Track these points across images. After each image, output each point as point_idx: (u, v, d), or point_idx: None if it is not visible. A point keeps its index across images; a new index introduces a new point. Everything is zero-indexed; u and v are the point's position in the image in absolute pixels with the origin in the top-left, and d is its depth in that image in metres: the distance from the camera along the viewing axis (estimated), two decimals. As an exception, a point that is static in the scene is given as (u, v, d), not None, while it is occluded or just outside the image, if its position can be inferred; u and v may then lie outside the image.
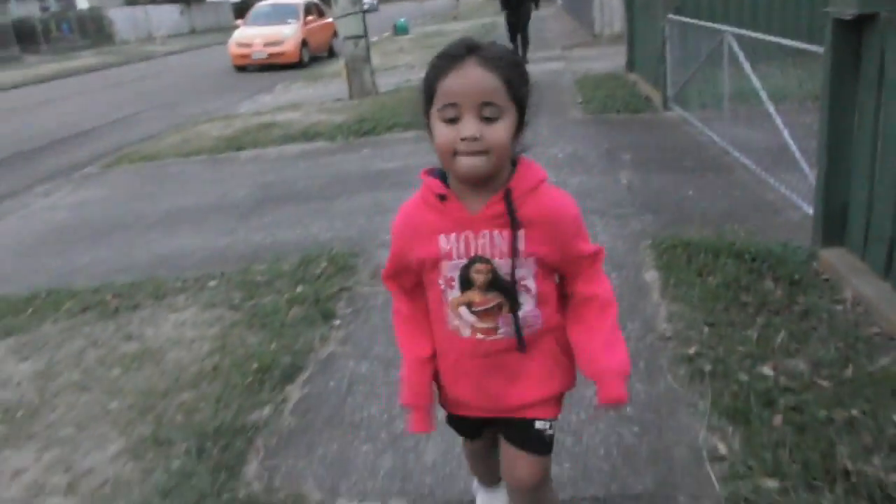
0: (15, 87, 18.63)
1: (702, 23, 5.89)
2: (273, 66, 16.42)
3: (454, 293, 1.31)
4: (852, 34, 2.91)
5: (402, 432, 2.19)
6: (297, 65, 16.49)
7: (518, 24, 11.28)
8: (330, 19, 19.77)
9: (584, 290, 1.35)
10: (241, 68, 16.90)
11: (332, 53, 18.96)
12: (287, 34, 16.60)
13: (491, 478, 1.71)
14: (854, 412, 2.04)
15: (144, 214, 5.50)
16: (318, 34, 18.01)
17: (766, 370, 2.29)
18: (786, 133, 4.29)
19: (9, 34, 27.00)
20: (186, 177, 6.74)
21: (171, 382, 2.65)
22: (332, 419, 2.35)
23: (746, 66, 4.87)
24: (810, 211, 3.48)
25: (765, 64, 4.81)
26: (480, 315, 1.31)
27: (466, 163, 1.17)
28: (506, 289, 1.29)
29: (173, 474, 2.10)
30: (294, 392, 2.52)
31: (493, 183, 1.24)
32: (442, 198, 1.25)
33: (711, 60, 5.61)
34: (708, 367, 2.34)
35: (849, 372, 2.25)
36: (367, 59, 9.79)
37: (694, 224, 3.66)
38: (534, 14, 11.86)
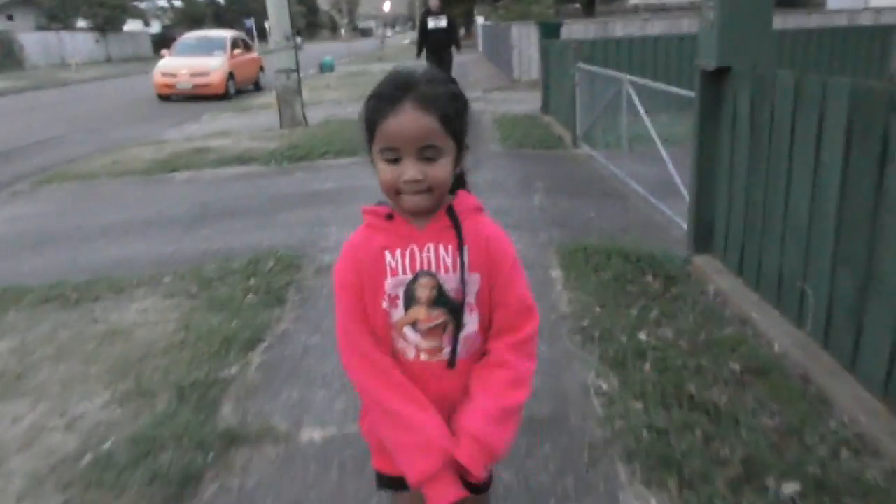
0: (-80, 106, 17.98)
1: (606, 70, 6.76)
2: (198, 96, 16.64)
3: (398, 313, 1.27)
4: (714, 83, 3.70)
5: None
6: (222, 96, 16.75)
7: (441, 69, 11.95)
8: (255, 54, 20.26)
9: (503, 353, 1.28)
10: (165, 98, 17.02)
11: (257, 87, 19.34)
12: (214, 66, 16.88)
13: None
14: (702, 362, 2.70)
15: (84, 227, 5.74)
16: (244, 67, 18.36)
17: (642, 336, 2.93)
18: (671, 167, 5.10)
19: None
20: (122, 195, 6.97)
21: (144, 352, 3.05)
22: (292, 375, 2.82)
23: (641, 110, 5.70)
24: (680, 222, 4.24)
25: (662, 112, 5.66)
26: (425, 334, 1.27)
27: (411, 200, 1.20)
28: (451, 305, 1.26)
29: (159, 415, 2.52)
30: (256, 357, 2.98)
31: (436, 207, 1.26)
32: (389, 217, 1.26)
33: (613, 104, 6.47)
34: (597, 334, 2.97)
35: (702, 336, 2.93)
36: (299, 91, 10.31)
37: (593, 236, 4.36)
38: (456, 59, 11.68)
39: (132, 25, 44.88)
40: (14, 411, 2.64)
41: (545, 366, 2.77)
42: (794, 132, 2.91)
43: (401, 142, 1.17)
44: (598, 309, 3.23)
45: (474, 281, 1.26)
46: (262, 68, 19.99)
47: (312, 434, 2.42)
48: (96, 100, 18.70)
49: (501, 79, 17.00)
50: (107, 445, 2.36)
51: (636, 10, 34.15)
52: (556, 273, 3.78)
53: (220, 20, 64.01)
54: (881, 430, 2.24)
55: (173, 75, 16.68)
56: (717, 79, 3.64)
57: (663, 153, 5.24)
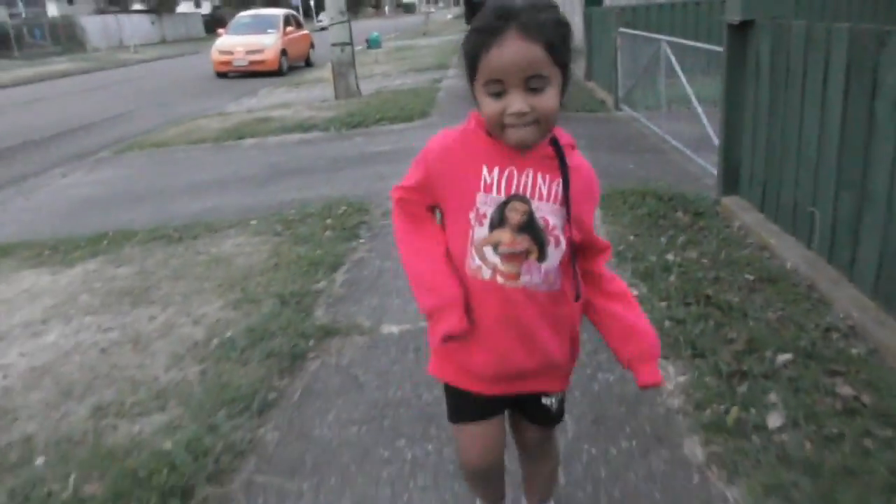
0: (2, 86, 19.18)
1: (645, 33, 7.09)
2: (254, 73, 17.36)
3: (482, 231, 1.24)
4: (739, 36, 4.06)
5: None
6: (276, 73, 17.41)
7: None
8: (306, 31, 20.88)
9: (609, 274, 1.40)
10: (223, 75, 17.79)
11: (309, 63, 20.00)
12: (268, 43, 17.56)
13: (496, 496, 1.62)
14: (721, 274, 3.14)
15: (169, 186, 6.40)
16: (296, 44, 19.01)
17: (669, 256, 3.38)
18: (706, 122, 5.46)
19: (-19, 38, 27.48)
20: (197, 160, 7.63)
21: (246, 273, 3.64)
22: (370, 289, 3.37)
23: (678, 69, 6.05)
24: (711, 169, 4.63)
25: (699, 73, 5.99)
26: (506, 258, 1.24)
27: (516, 134, 1.15)
28: (539, 234, 1.24)
29: (266, 315, 3.09)
30: (339, 276, 3.54)
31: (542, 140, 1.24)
32: (491, 134, 1.22)
33: (652, 66, 6.81)
34: (630, 255, 3.43)
35: (722, 256, 3.36)
36: (352, 63, 10.85)
37: (630, 182, 4.78)
38: None
39: (184, 7, 46.12)
40: (148, 314, 3.26)
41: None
42: (806, 75, 3.30)
43: (506, 73, 1.12)
44: (631, 237, 3.69)
45: (563, 214, 1.25)
46: (312, 45, 20.64)
47: (391, 328, 2.97)
48: (158, 78, 19.62)
49: (546, 49, 17.21)
50: (228, 334, 2.95)
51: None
52: (596, 212, 4.23)
53: None
54: (869, 321, 2.66)
55: (230, 53, 17.41)
56: (741, 32, 4.01)
57: (699, 110, 5.60)
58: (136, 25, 38.14)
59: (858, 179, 2.87)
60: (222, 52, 17.58)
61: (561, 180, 1.23)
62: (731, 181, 4.35)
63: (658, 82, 6.71)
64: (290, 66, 18.30)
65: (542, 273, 1.26)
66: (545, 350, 1.31)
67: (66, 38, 32.27)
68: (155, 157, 8.02)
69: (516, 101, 1.13)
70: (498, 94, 1.14)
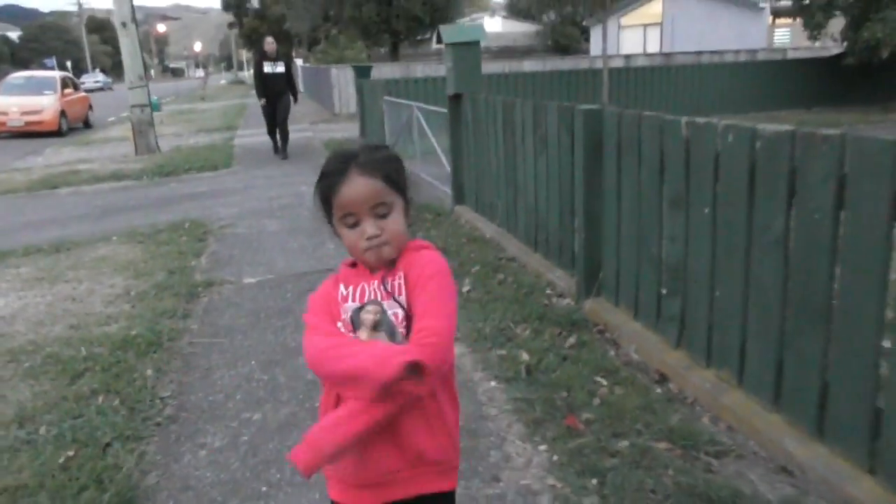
0: None
1: (401, 100, 9.47)
2: (30, 133, 17.34)
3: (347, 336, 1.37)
4: (454, 103, 6.42)
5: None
6: (56, 133, 17.54)
7: (276, 116, 11.04)
8: (83, 93, 21.08)
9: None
10: (-7, 135, 17.51)
11: (88, 125, 20.19)
12: (46, 104, 17.68)
13: None
14: (449, 240, 5.30)
15: (1, 227, 7.30)
16: (75, 105, 19.23)
17: (417, 233, 5.49)
18: (445, 163, 7.81)
19: None
20: (17, 206, 8.41)
21: (131, 263, 5.11)
22: (228, 263, 5.07)
23: (425, 126, 8.41)
24: (449, 191, 6.93)
25: (441, 129, 8.38)
26: None
27: (374, 256, 1.37)
28: (390, 329, 1.35)
29: (161, 279, 4.64)
30: (203, 259, 5.17)
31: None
32: (352, 265, 1.45)
33: (408, 125, 9.15)
34: (395, 235, 5.50)
35: (450, 232, 5.54)
36: (151, 122, 12.07)
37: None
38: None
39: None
40: (68, 288, 4.64)
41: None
42: (486, 124, 5.66)
43: (355, 206, 1.34)
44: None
45: (403, 302, 1.36)
46: (90, 107, 20.87)
47: (249, 279, 4.70)
48: (-86, 140, 18.53)
49: (324, 113, 19.49)
50: (140, 289, 4.47)
51: (438, 53, 38.29)
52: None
53: (16, 59, 60.51)
54: (512, 248, 4.93)
55: (4, 113, 17.27)
56: (455, 100, 6.37)
57: (440, 154, 7.96)
58: None
59: (514, 181, 5.20)
60: (-6, 113, 17.36)
61: (396, 279, 1.37)
62: (459, 196, 6.65)
63: (413, 137, 9.05)
64: (69, 126, 18.48)
65: None
66: (416, 445, 1.35)
67: None
68: (-32, 207, 8.63)
69: (368, 227, 1.34)
70: (353, 225, 1.36)
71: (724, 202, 2.76)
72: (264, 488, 2.41)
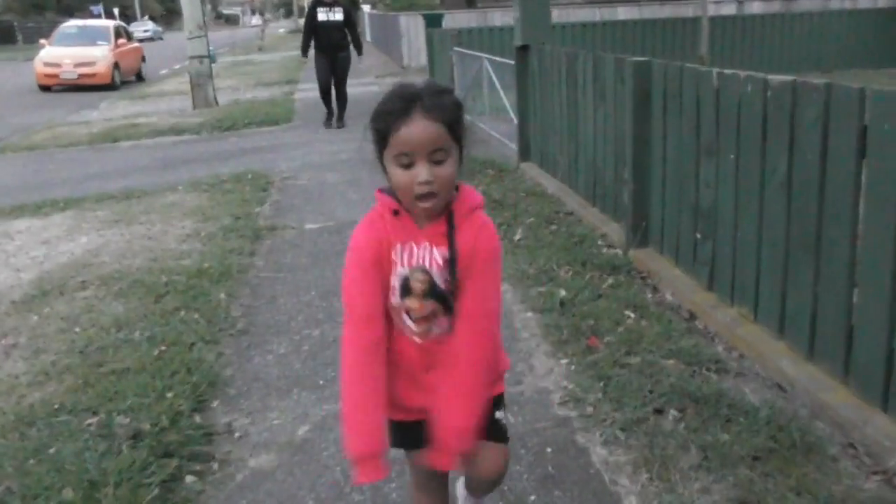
0: None
1: (471, 52, 10.26)
2: (83, 86, 19.02)
3: (395, 299, 1.70)
4: (522, 54, 7.17)
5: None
6: (109, 87, 19.16)
7: (333, 77, 10.42)
8: (137, 44, 22.79)
9: (465, 334, 1.71)
10: (46, 88, 19.29)
11: (140, 77, 21.87)
12: (99, 56, 19.36)
13: None
14: (507, 193, 6.11)
15: (70, 177, 8.50)
16: (128, 57, 20.91)
17: (478, 187, 6.29)
18: (515, 120, 8.58)
19: None
20: (80, 158, 9.69)
21: (198, 208, 6.15)
22: (290, 211, 6.05)
23: (495, 81, 9.17)
24: (515, 147, 7.70)
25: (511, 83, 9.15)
26: (417, 321, 1.71)
27: (423, 205, 1.58)
28: (441, 297, 1.68)
29: (227, 223, 5.66)
30: (266, 207, 6.18)
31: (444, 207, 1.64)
32: (395, 213, 1.66)
33: (478, 79, 9.94)
34: (454, 188, 6.34)
35: (511, 187, 6.35)
36: (210, 75, 13.29)
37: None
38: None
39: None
40: (142, 229, 5.71)
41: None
42: (553, 76, 6.40)
43: (414, 147, 1.54)
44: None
45: (460, 279, 1.67)
46: (143, 58, 22.57)
47: (311, 225, 5.65)
48: (-33, 92, 20.63)
49: (392, 66, 20.48)
50: (209, 230, 5.49)
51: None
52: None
53: (62, 6, 64.19)
54: (576, 206, 5.69)
55: (57, 65, 19.03)
56: (523, 52, 7.12)
57: (510, 111, 8.73)
58: None
59: (575, 136, 5.94)
60: (48, 65, 19.13)
61: (447, 248, 1.64)
62: (525, 152, 7.43)
63: (483, 92, 9.84)
64: (122, 79, 20.13)
65: (449, 321, 1.71)
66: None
67: None
68: (33, 158, 9.98)
69: (422, 172, 1.55)
70: (406, 166, 1.56)
71: (748, 147, 3.46)
72: (321, 382, 3.32)
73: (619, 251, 4.70)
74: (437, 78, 13.18)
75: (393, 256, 1.67)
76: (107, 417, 2.92)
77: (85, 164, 9.29)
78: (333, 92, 10.56)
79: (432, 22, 14.07)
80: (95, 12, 53.33)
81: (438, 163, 1.57)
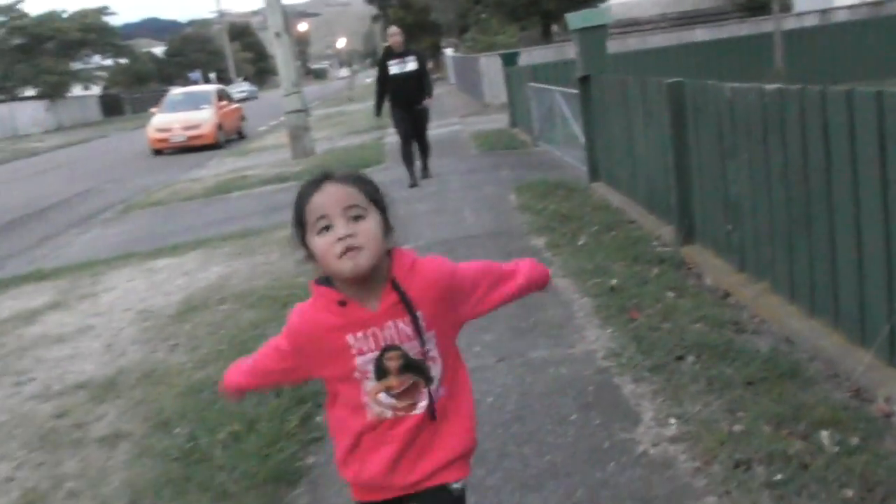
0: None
1: (545, 85, 11.22)
2: (191, 148, 20.97)
3: (371, 383, 1.72)
4: (584, 84, 8.06)
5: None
6: (213, 146, 21.05)
7: (413, 128, 10.00)
8: (237, 105, 24.88)
9: (507, 287, 1.91)
10: (159, 152, 21.37)
11: (241, 136, 23.85)
12: (205, 118, 21.35)
13: None
14: (575, 210, 6.97)
15: (192, 225, 9.85)
16: (230, 118, 22.91)
17: (550, 205, 7.21)
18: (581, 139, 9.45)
19: None
20: (198, 210, 11.13)
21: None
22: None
23: (565, 109, 10.08)
24: (585, 168, 8.56)
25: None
26: (399, 396, 1.73)
27: (348, 263, 1.58)
28: (418, 367, 1.73)
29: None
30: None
31: (377, 276, 1.65)
32: (342, 303, 1.67)
33: (551, 110, 10.87)
34: (526, 206, 7.25)
35: (578, 203, 7.21)
36: (307, 127, 14.74)
37: (535, 181, 8.67)
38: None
39: (75, 90, 49.80)
40: (262, 258, 6.85)
41: (500, 215, 7.05)
42: (611, 101, 7.26)
43: (328, 208, 1.60)
44: (530, 201, 7.53)
45: (431, 337, 1.73)
46: (243, 118, 24.61)
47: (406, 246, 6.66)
48: (90, 161, 23.06)
49: (474, 105, 21.70)
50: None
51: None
52: (512, 196, 8.09)
53: (162, 75, 69.19)
54: (636, 214, 6.49)
55: (167, 129, 21.11)
56: (585, 81, 8.02)
57: (578, 135, 9.60)
58: (29, 113, 41.53)
59: (632, 152, 6.76)
60: (159, 130, 21.25)
61: (409, 317, 1.68)
62: (594, 173, 8.28)
63: (556, 122, 10.75)
64: (226, 138, 22.06)
65: (432, 392, 1.75)
66: (451, 447, 1.79)
67: (-42, 131, 35.43)
68: (159, 212, 11.50)
69: (340, 228, 1.58)
70: (325, 229, 1.61)
71: (754, 146, 4.25)
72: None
73: (670, 248, 5.49)
74: (517, 113, 14.20)
75: (353, 344, 1.69)
76: (255, 384, 3.96)
77: (203, 213, 10.68)
78: (415, 145, 10.15)
79: (508, 61, 15.11)
80: (193, 79, 57.31)
81: (357, 218, 1.61)
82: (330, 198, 1.62)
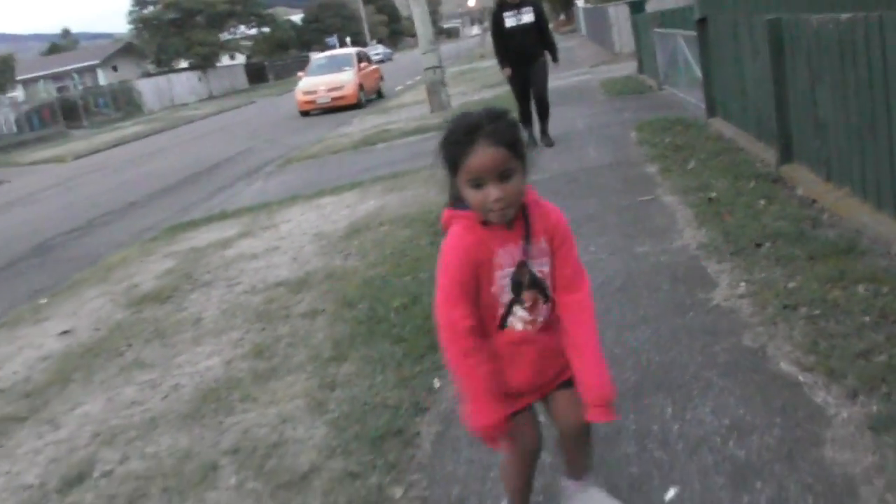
0: (108, 147, 25.22)
1: (669, 30, 11.78)
2: (335, 108, 22.60)
3: (507, 296, 2.01)
4: (701, 25, 8.69)
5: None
6: (356, 106, 22.60)
7: (529, 88, 9.37)
8: (375, 66, 26.37)
9: (569, 296, 2.09)
10: (306, 113, 23.14)
11: (381, 95, 25.35)
12: (346, 80, 22.92)
13: (523, 499, 2.32)
14: (691, 141, 7.72)
15: (345, 172, 11.18)
16: (369, 78, 24.42)
17: (667, 139, 7.98)
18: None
19: (56, 112, 34.29)
20: (348, 160, 12.46)
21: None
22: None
23: (689, 55, 10.65)
24: (703, 106, 9.20)
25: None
26: (528, 309, 2.04)
27: (497, 217, 1.89)
28: (540, 284, 2.04)
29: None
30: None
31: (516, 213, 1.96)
32: (485, 223, 1.94)
33: (675, 54, 11.44)
34: (646, 140, 8.06)
35: (694, 136, 7.94)
36: (443, 82, 15.86)
37: (656, 118, 9.40)
38: (561, 44, 11.01)
39: (222, 60, 53.27)
40: (411, 192, 8.04)
41: (620, 149, 7.90)
42: (725, 40, 7.90)
43: (483, 171, 1.84)
44: (648, 136, 8.32)
45: (548, 262, 2.05)
46: (381, 78, 26.08)
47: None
48: (244, 125, 25.24)
49: (604, 54, 22.16)
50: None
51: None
52: (633, 133, 8.89)
53: (302, 42, 72.23)
54: (738, 137, 7.18)
55: (313, 92, 22.82)
56: (702, 23, 8.65)
57: (698, 74, 10.19)
58: (184, 84, 45.06)
59: (743, 87, 7.41)
60: (306, 93, 23.01)
61: (539, 244, 2.02)
62: (711, 109, 8.93)
63: (679, 65, 11.33)
64: (366, 98, 23.59)
65: (548, 309, 2.09)
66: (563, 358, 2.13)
67: (125, 103, 39.11)
68: (314, 164, 12.96)
69: (493, 191, 1.85)
70: (478, 186, 1.86)
71: (834, 69, 4.95)
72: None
73: (770, 168, 6.21)
74: (645, 60, 14.75)
75: (496, 259, 1.97)
76: (414, 273, 5.11)
77: (354, 162, 12.04)
78: (533, 106, 9.42)
79: (636, 9, 15.58)
80: (331, 43, 59.72)
81: (506, 178, 1.87)
82: (486, 163, 1.84)
